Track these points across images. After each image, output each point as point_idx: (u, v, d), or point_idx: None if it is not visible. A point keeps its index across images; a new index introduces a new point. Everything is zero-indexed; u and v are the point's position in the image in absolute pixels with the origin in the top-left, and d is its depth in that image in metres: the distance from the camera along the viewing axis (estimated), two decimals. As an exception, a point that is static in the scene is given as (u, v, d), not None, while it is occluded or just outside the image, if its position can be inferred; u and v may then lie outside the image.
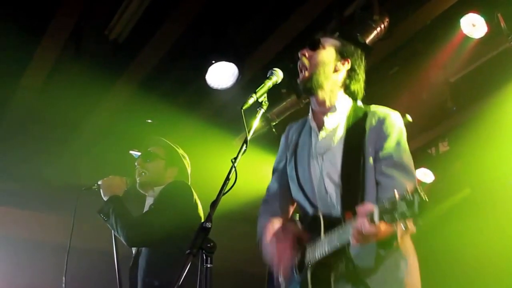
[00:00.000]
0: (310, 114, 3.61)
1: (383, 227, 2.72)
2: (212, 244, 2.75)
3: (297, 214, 3.52)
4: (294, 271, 3.25)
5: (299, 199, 3.52)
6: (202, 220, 4.56)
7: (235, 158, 3.05)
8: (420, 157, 8.01)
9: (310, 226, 3.30)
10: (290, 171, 3.59)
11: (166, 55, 6.56)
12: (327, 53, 3.55)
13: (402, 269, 3.12)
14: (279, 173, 3.71)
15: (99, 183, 4.92)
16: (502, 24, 5.63)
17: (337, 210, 3.26)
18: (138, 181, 5.04)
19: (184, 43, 6.45)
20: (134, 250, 4.90)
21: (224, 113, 7.46)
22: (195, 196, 4.87)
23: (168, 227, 4.58)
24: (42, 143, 7.95)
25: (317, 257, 3.11)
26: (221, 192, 2.95)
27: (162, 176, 5.03)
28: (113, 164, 7.42)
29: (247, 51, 6.49)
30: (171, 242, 4.58)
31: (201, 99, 7.32)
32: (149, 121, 7.47)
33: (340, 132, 3.42)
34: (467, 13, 5.79)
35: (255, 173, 7.51)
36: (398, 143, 3.30)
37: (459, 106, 6.97)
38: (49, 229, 8.56)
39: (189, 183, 5.07)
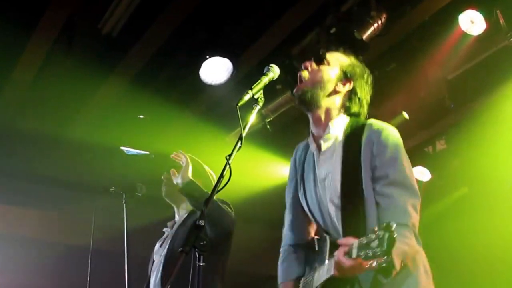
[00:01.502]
0: (310, 136, 3.49)
1: (361, 262, 2.65)
2: (205, 242, 2.68)
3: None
4: None
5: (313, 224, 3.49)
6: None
7: (230, 155, 2.98)
8: (417, 155, 8.00)
9: (321, 249, 3.22)
10: (301, 198, 3.50)
11: (160, 50, 6.50)
12: (330, 71, 3.41)
13: (410, 284, 3.01)
14: (293, 200, 3.60)
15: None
16: (501, 21, 5.60)
17: (340, 234, 3.18)
18: (163, 191, 5.12)
19: (178, 38, 6.39)
20: (161, 253, 4.91)
21: (218, 109, 7.41)
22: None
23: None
24: (32, 138, 7.88)
25: (320, 282, 3.03)
26: (215, 190, 2.89)
27: None
28: (105, 159, 7.38)
29: (242, 46, 6.44)
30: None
31: (195, 95, 7.27)
32: (141, 116, 7.43)
33: (338, 151, 3.30)
34: (466, 9, 5.76)
35: (250, 170, 7.47)
36: (394, 159, 3.15)
37: (457, 104, 6.94)
38: (39, 225, 8.52)
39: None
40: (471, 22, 5.81)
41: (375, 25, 5.74)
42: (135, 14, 6.13)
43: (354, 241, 2.67)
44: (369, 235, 2.56)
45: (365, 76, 3.47)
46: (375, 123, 3.30)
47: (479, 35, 5.89)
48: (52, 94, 7.05)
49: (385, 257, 2.47)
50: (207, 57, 6.16)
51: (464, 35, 5.96)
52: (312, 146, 3.44)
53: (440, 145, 8.11)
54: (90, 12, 6.23)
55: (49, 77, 6.83)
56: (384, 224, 2.50)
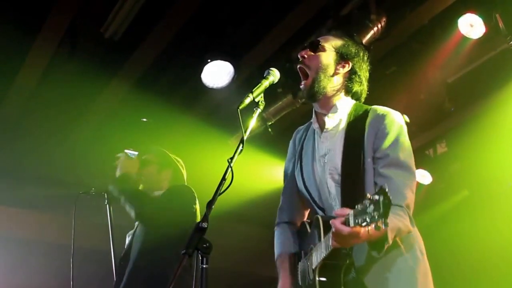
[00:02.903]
0: (313, 116, 3.58)
1: (359, 230, 2.68)
2: (208, 244, 2.72)
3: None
4: (308, 275, 3.23)
5: (308, 202, 3.52)
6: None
7: (232, 158, 3.01)
8: (418, 158, 7.91)
9: (314, 231, 3.27)
10: (297, 175, 3.57)
11: (162, 54, 6.53)
12: (327, 56, 3.49)
13: (400, 266, 3.07)
14: (289, 179, 3.69)
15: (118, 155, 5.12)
16: (500, 24, 5.60)
17: None
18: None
19: (179, 42, 6.42)
20: (126, 246, 4.99)
21: (220, 112, 7.43)
22: (197, 203, 4.91)
23: (171, 220, 4.70)
24: (36, 142, 7.91)
25: (318, 261, 3.07)
26: (217, 192, 2.92)
27: (157, 179, 5.19)
28: (108, 163, 7.40)
29: (243, 50, 6.46)
30: (164, 242, 4.65)
31: (197, 98, 7.29)
32: (144, 120, 7.45)
33: (341, 131, 3.40)
34: (465, 13, 5.76)
35: (251, 173, 7.49)
36: (396, 141, 3.24)
37: (457, 107, 6.95)
38: (43, 227, 8.55)
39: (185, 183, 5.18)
40: (471, 25, 5.82)
41: (375, 28, 5.76)
42: (137, 18, 6.15)
43: (349, 211, 2.70)
44: (364, 201, 2.59)
45: (361, 54, 3.56)
46: (379, 108, 3.41)
47: (479, 38, 5.89)
48: (55, 98, 7.07)
49: (382, 219, 2.48)
50: (209, 60, 6.18)
51: (464, 38, 5.96)
52: (315, 125, 3.53)
53: (440, 148, 8.13)
54: (93, 17, 6.26)
55: (53, 81, 6.86)
56: (378, 189, 2.53)
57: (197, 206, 4.91)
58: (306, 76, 3.50)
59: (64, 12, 5.87)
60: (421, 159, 8.09)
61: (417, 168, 7.95)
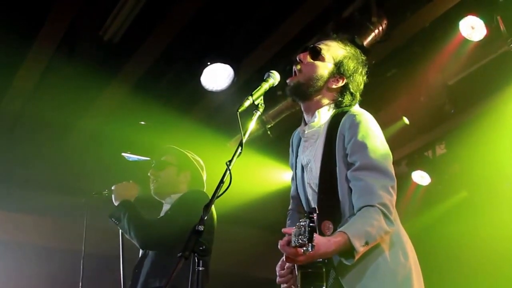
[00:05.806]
0: (302, 123, 3.54)
1: (298, 251, 2.76)
2: (204, 247, 2.73)
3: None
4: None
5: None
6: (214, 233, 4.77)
7: (230, 161, 3.00)
8: (417, 159, 8.09)
9: None
10: (292, 181, 3.62)
11: (161, 56, 6.53)
12: (324, 67, 3.40)
13: (380, 267, 3.02)
14: (293, 176, 3.67)
15: (112, 188, 4.97)
16: (502, 27, 5.58)
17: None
18: (152, 188, 5.10)
19: (179, 44, 6.41)
20: (141, 251, 4.93)
21: (219, 115, 7.43)
22: (213, 207, 4.86)
23: (181, 234, 4.50)
24: (34, 145, 7.90)
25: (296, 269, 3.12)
26: (215, 195, 2.91)
27: (176, 181, 5.08)
28: (107, 166, 7.40)
29: (243, 52, 6.46)
30: (178, 248, 4.59)
31: (196, 101, 7.29)
32: (143, 123, 7.44)
33: (321, 139, 3.33)
34: (467, 15, 5.72)
35: (250, 175, 7.49)
36: (363, 144, 3.14)
37: (457, 109, 6.94)
38: (40, 231, 8.53)
39: (205, 187, 5.10)
40: (472, 28, 5.79)
41: (376, 31, 5.75)
42: (137, 21, 6.15)
43: (293, 230, 2.73)
44: (300, 222, 2.65)
45: (360, 69, 3.45)
46: (353, 109, 3.34)
47: (480, 41, 5.84)
48: (53, 101, 7.06)
49: (309, 244, 2.56)
50: (208, 63, 6.17)
51: (465, 41, 5.92)
52: (301, 133, 3.49)
53: (440, 149, 8.17)
54: (92, 19, 6.25)
55: (51, 83, 6.85)
56: (307, 212, 2.61)
57: (213, 209, 4.80)
58: (295, 75, 3.46)
59: (63, 14, 5.86)
60: (421, 160, 8.14)
61: (416, 169, 7.97)
